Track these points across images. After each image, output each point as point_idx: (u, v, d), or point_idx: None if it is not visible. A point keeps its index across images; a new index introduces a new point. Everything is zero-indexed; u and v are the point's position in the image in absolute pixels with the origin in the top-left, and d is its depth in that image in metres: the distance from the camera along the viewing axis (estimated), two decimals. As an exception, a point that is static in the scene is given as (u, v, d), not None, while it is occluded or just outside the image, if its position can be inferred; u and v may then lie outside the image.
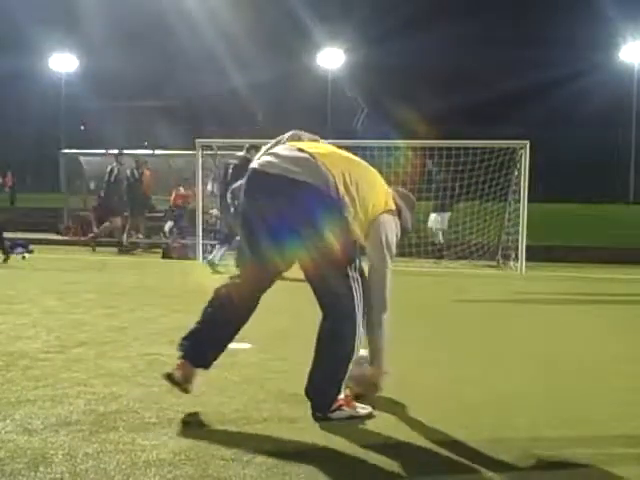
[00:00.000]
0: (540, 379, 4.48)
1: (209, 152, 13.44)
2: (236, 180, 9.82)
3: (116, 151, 14.95)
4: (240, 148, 11.17)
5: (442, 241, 13.23)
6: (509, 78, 41.08)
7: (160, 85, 48.72)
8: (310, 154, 3.45)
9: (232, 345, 5.01)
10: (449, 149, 12.90)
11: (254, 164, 3.53)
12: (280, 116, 41.86)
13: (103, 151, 18.67)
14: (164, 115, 44.78)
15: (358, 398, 3.65)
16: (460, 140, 13.33)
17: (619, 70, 41.75)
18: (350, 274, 3.45)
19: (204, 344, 3.66)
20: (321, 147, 3.63)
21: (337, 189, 3.37)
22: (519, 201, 12.28)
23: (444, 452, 3.12)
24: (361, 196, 3.46)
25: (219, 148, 13.71)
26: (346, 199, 3.40)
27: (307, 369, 4.47)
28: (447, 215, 13.33)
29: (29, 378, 4.12)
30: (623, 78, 41.46)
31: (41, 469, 2.80)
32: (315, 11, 40.20)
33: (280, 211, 3.38)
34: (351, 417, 3.48)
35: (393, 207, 3.65)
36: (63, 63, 43.37)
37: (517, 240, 12.06)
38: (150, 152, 18.62)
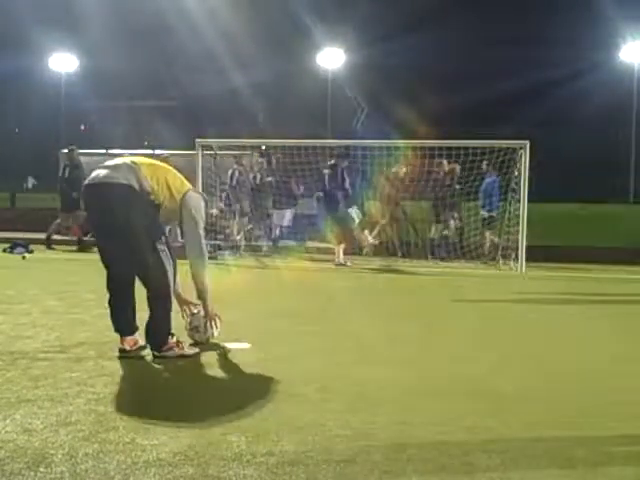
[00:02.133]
0: (540, 379, 4.49)
1: (209, 152, 13.44)
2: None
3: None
4: (240, 148, 11.23)
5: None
6: (509, 78, 41.00)
7: (160, 85, 48.71)
8: (128, 163, 4.77)
9: (231, 345, 5.06)
10: (449, 149, 12.91)
11: (89, 180, 4.79)
12: (280, 116, 41.84)
13: (103, 151, 18.66)
14: (164, 115, 44.80)
15: (197, 344, 4.95)
16: (460, 140, 13.34)
17: (619, 70, 41.70)
18: (158, 247, 4.67)
19: (122, 317, 4.79)
20: (141, 158, 5.03)
21: (146, 184, 4.66)
22: (519, 201, 12.29)
23: (443, 452, 3.12)
24: (169, 184, 4.80)
25: (219, 148, 13.71)
26: (155, 189, 4.69)
27: (306, 369, 4.50)
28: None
29: (29, 378, 4.12)
30: (623, 78, 41.42)
31: (41, 469, 2.80)
32: (315, 11, 40.19)
33: (108, 207, 4.63)
34: (181, 356, 4.64)
35: (190, 186, 5.05)
36: (63, 63, 43.30)
37: (517, 240, 12.07)
38: (150, 152, 18.63)
